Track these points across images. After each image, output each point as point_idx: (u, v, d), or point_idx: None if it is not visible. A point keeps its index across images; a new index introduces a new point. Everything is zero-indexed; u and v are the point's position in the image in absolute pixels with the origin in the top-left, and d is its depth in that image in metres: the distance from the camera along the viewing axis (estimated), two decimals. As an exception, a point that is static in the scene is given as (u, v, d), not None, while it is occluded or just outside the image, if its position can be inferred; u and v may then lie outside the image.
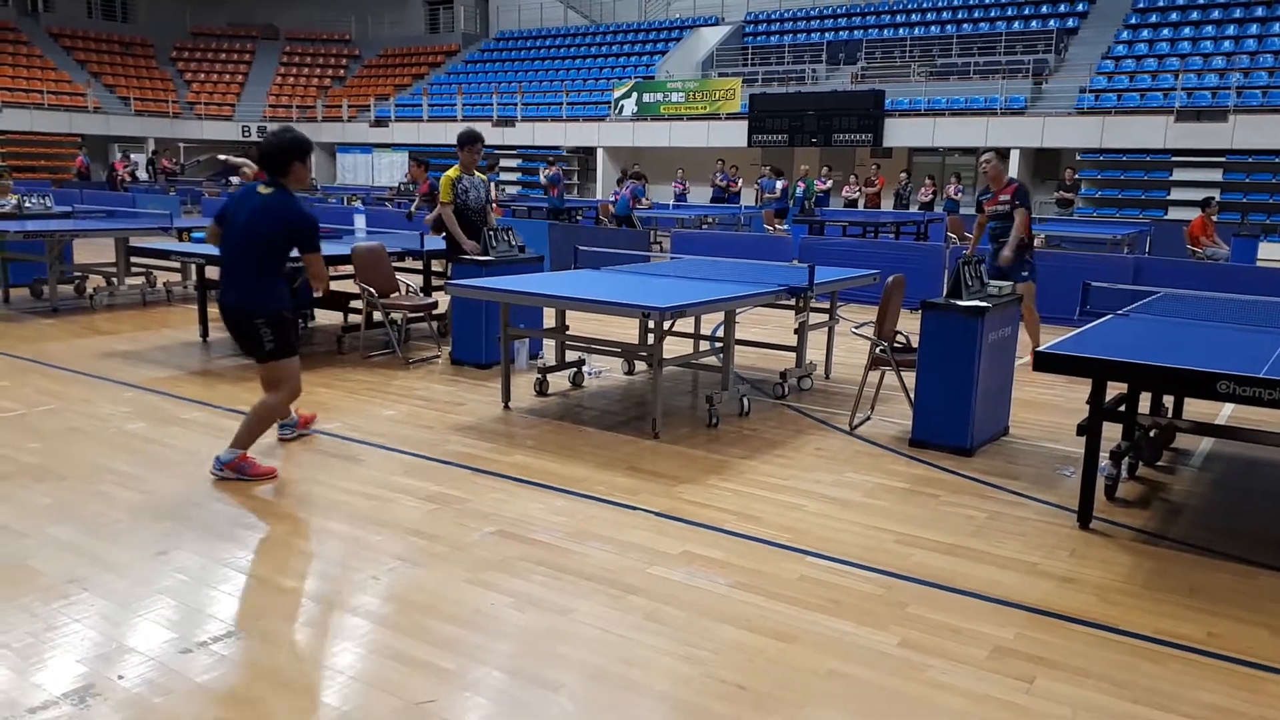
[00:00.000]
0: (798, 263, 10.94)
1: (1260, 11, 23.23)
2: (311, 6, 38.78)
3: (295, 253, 5.02)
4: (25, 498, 4.68)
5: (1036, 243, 15.84)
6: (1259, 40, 22.80)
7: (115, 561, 3.98)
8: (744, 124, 25.71)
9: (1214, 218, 14.65)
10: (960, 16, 27.56)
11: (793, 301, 7.09)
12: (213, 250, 8.13)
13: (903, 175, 22.70)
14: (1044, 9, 26.64)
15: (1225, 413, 6.74)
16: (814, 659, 3.31)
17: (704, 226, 18.88)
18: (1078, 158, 22.45)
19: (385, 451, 5.57)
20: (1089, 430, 4.56)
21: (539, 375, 6.96)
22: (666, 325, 5.81)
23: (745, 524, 4.54)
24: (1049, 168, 22.98)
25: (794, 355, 7.38)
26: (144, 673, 3.13)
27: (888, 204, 22.59)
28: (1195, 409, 6.24)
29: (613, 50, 32.80)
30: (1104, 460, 4.83)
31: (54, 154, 30.71)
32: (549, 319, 7.53)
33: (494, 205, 9.37)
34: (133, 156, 30.53)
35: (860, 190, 22.49)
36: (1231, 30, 23.40)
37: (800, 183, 20.10)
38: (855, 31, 28.63)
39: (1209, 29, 23.74)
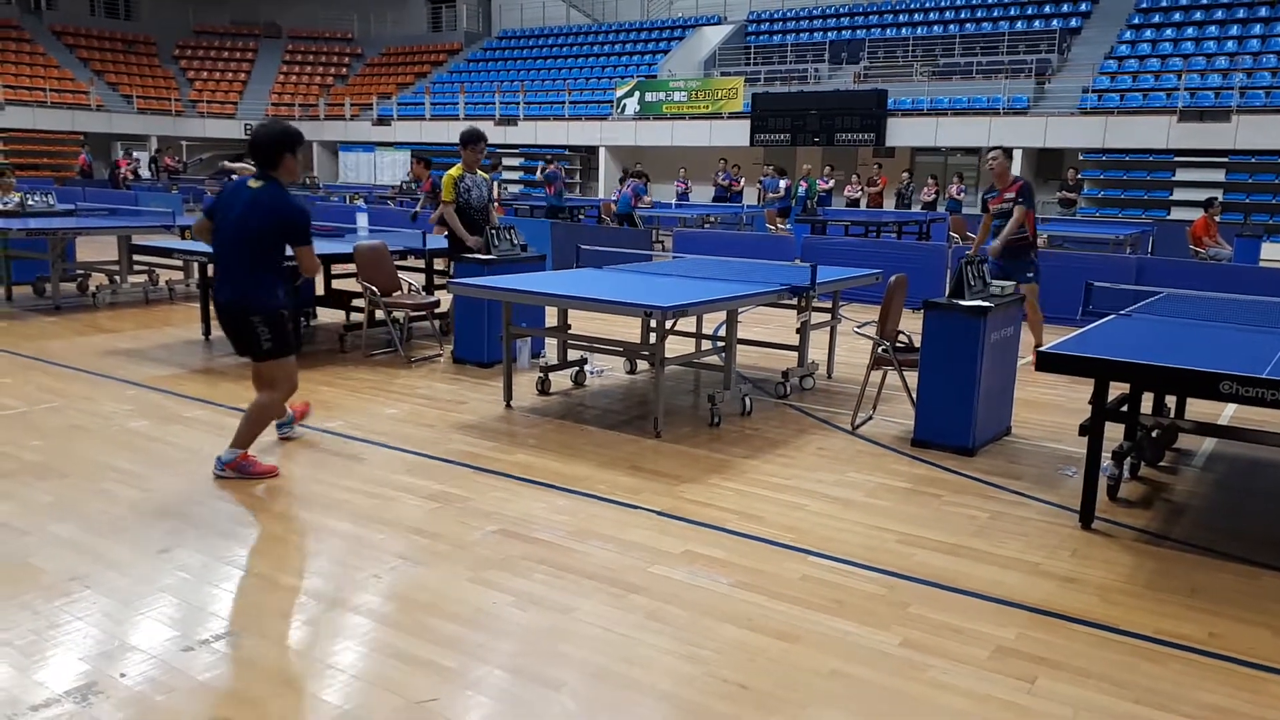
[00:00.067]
0: (799, 262, 10.94)
1: (1264, 11, 23.20)
2: (314, 5, 38.80)
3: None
4: (27, 495, 4.69)
5: (1039, 243, 15.82)
6: (1262, 40, 22.76)
7: (117, 559, 3.99)
8: (746, 123, 25.70)
9: (1217, 218, 14.63)
10: (963, 16, 27.54)
11: (795, 301, 7.09)
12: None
13: (904, 175, 22.69)
14: (1047, 9, 26.61)
15: (1228, 413, 6.74)
16: (816, 659, 3.31)
17: (706, 226, 18.86)
18: (1080, 158, 22.43)
19: (387, 450, 5.57)
20: (1091, 430, 4.56)
21: (541, 374, 6.96)
22: (668, 324, 5.81)
23: (747, 523, 4.54)
24: (1052, 168, 22.96)
25: (796, 354, 7.37)
26: (146, 671, 3.13)
27: (889, 204, 22.58)
28: (1198, 409, 6.23)
29: (615, 49, 32.80)
30: (1106, 460, 4.83)
31: (57, 152, 30.72)
32: (551, 318, 7.53)
33: (496, 204, 9.38)
34: (135, 154, 30.55)
35: (863, 190, 22.48)
36: (1235, 30, 23.36)
37: (803, 182, 20.09)
38: (858, 31, 28.61)
39: (1212, 29, 23.71)
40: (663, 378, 6.02)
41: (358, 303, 8.65)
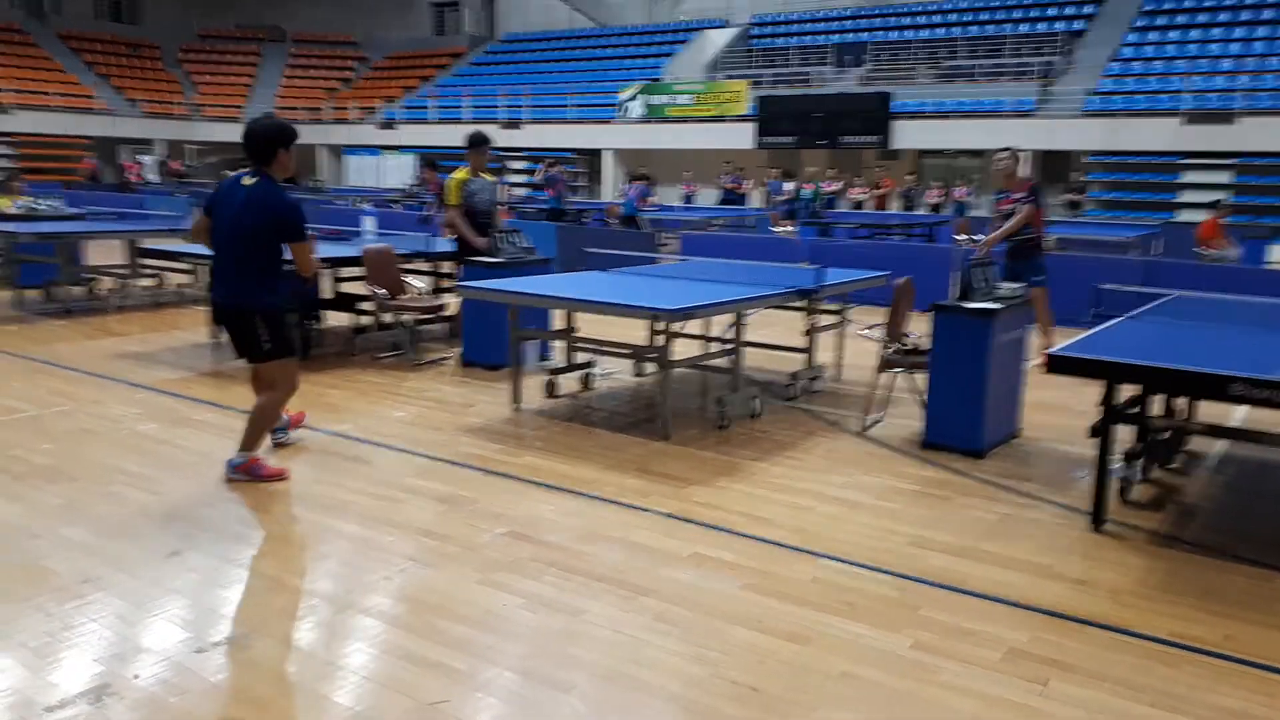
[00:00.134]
0: (806, 264, 10.93)
1: (1268, 14, 23.15)
2: (318, 9, 38.86)
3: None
4: (38, 499, 4.70)
5: (1046, 245, 15.76)
6: (1267, 42, 22.72)
7: (128, 562, 3.99)
8: (751, 126, 25.70)
9: (1224, 219, 14.59)
10: (967, 19, 27.50)
11: (802, 303, 7.08)
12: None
13: (907, 177, 22.66)
14: (1051, 11, 26.56)
15: (1239, 415, 6.71)
16: (827, 661, 3.31)
17: (711, 229, 18.85)
18: (1086, 160, 22.39)
19: (396, 453, 5.58)
20: (1101, 432, 4.55)
21: (549, 377, 6.96)
22: (675, 327, 5.81)
23: (756, 526, 4.53)
24: (1058, 170, 22.91)
25: (804, 357, 7.37)
26: (158, 672, 3.14)
27: (894, 206, 22.56)
28: (1209, 411, 6.21)
29: (619, 52, 32.81)
30: (1117, 462, 4.82)
31: (63, 156, 30.79)
32: (558, 321, 7.54)
33: (503, 207, 9.39)
34: (141, 158, 30.63)
35: (868, 192, 22.47)
36: (1239, 32, 23.32)
37: (808, 185, 20.08)
38: (862, 34, 28.57)
39: (1216, 31, 23.66)
40: (669, 380, 6.02)
41: (365, 305, 8.66)
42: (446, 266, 9.31)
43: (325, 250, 8.68)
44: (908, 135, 24.04)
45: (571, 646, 3.38)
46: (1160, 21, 24.80)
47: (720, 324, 7.67)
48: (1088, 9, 26.18)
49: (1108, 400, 4.51)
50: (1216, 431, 5.19)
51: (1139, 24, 25.00)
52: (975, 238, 8.83)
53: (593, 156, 29.82)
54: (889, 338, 6.24)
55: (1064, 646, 3.44)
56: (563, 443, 5.83)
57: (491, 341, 7.66)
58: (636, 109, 28.23)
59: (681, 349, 6.79)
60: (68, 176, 28.44)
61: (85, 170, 27.49)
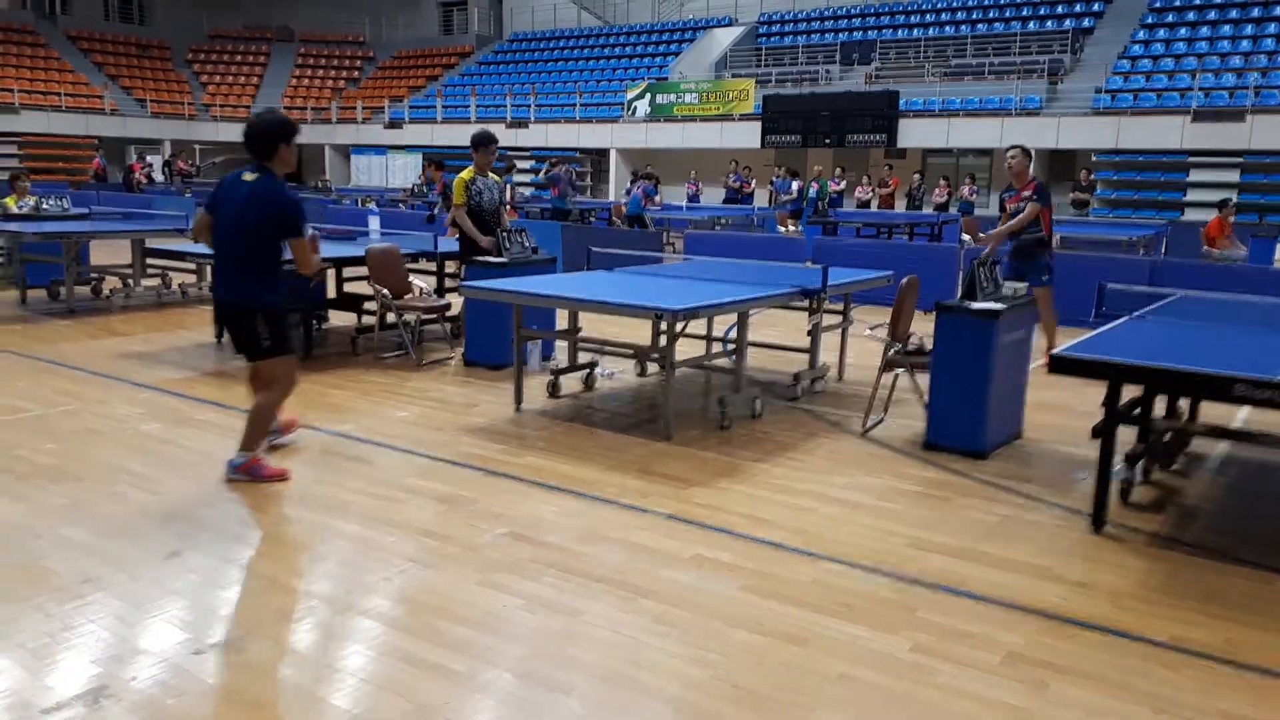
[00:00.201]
0: (810, 264, 10.91)
1: (1279, 10, 23.04)
2: (326, 8, 38.95)
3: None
4: (41, 498, 4.72)
5: (1054, 244, 15.70)
6: (1277, 40, 22.61)
7: (128, 562, 4.01)
8: (757, 125, 25.67)
9: (1231, 219, 14.53)
10: (975, 17, 27.43)
11: (806, 303, 7.06)
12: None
13: (916, 176, 22.62)
14: (1059, 9, 26.48)
15: (1241, 416, 6.68)
16: (825, 663, 3.30)
17: (717, 228, 18.85)
18: (1094, 158, 22.32)
19: (398, 453, 5.58)
20: (1104, 433, 4.53)
21: (552, 377, 6.96)
22: (679, 327, 5.80)
23: (757, 527, 4.53)
24: (1065, 169, 22.82)
25: (807, 357, 7.36)
26: (157, 674, 3.15)
27: (900, 205, 22.51)
28: (1212, 413, 6.19)
29: (626, 51, 32.82)
30: (1118, 464, 4.80)
31: (71, 156, 30.92)
32: (561, 320, 7.54)
33: (509, 207, 9.39)
34: (149, 158, 30.72)
35: (873, 191, 22.43)
36: (1249, 30, 23.21)
37: (814, 184, 20.06)
38: (869, 32, 28.53)
39: (1226, 28, 23.55)
40: (672, 381, 6.02)
41: (369, 305, 8.67)
42: (451, 266, 9.32)
43: (330, 250, 8.71)
44: (914, 134, 23.99)
45: (571, 648, 3.38)
46: (1169, 19, 24.70)
47: (722, 324, 7.67)
48: (1096, 6, 26.10)
49: (1111, 401, 4.49)
50: (1218, 433, 5.18)
51: (1148, 21, 24.90)
52: (980, 235, 8.80)
53: (599, 156, 29.84)
54: (892, 338, 6.23)
55: (1063, 649, 3.43)
56: (564, 443, 5.83)
57: (494, 342, 7.67)
58: (643, 108, 28.22)
59: (685, 349, 6.79)
60: (76, 176, 28.57)
61: (93, 170, 27.60)
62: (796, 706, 3.04)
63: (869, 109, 24.21)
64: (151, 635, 3.42)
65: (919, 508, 4.86)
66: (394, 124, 33.19)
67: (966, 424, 5.71)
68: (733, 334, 6.52)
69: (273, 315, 4.93)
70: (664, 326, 5.89)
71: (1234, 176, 20.80)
